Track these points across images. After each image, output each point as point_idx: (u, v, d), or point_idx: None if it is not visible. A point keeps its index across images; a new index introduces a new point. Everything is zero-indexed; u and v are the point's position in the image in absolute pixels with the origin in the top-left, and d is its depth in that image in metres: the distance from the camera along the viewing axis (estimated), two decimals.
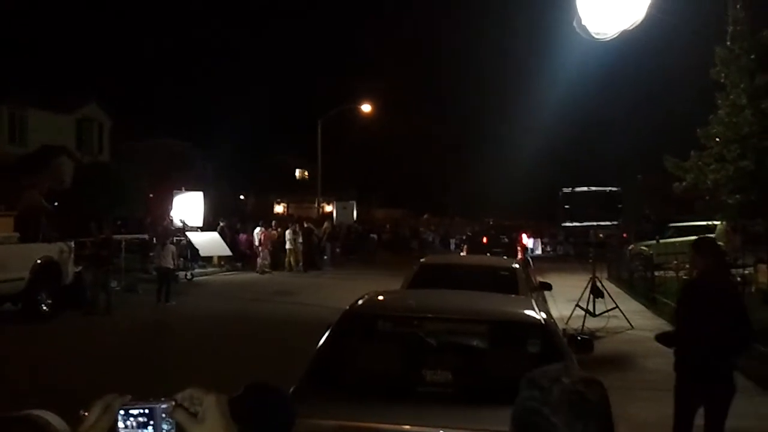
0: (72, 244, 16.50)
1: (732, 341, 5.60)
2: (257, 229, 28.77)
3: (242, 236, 29.86)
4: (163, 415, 1.44)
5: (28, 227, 15.82)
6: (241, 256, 28.77)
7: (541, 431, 1.53)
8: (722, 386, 5.54)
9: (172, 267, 18.42)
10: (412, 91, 58.33)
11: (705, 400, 5.56)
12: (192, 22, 67.79)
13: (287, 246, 29.02)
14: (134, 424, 1.44)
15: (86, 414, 1.45)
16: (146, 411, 1.44)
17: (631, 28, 9.48)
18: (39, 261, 15.00)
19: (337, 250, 32.78)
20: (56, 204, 21.32)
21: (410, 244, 44.95)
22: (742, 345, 5.92)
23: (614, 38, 9.58)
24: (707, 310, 5.58)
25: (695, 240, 6.75)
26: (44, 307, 15.06)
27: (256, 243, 28.38)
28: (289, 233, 29.16)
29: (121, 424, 1.44)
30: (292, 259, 29.10)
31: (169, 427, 1.44)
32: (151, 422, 1.44)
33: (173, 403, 1.45)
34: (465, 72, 69.37)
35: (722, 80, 17.20)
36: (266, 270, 27.50)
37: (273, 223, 31.56)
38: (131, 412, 1.44)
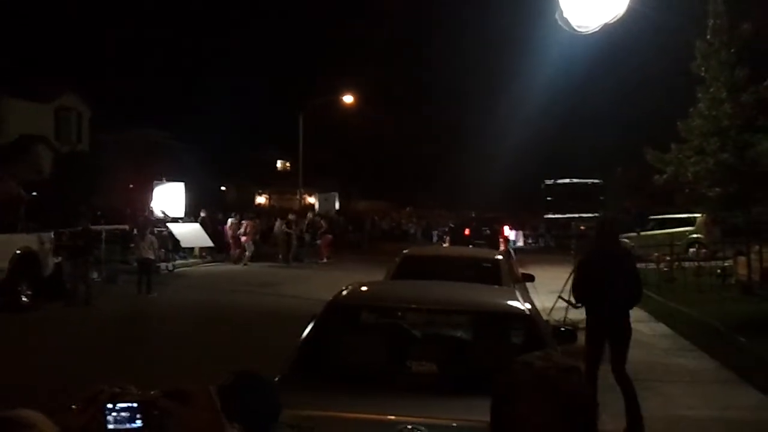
0: (51, 234, 16.35)
1: (628, 297, 7.55)
2: (230, 221, 28.60)
3: (225, 227, 29.72)
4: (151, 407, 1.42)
5: (7, 217, 15.66)
6: (222, 247, 28.63)
7: (511, 415, 1.51)
8: (623, 329, 7.51)
9: (152, 258, 18.32)
10: (393, 84, 58.17)
11: (611, 340, 7.44)
12: (174, 12, 67.25)
13: (282, 238, 28.88)
14: (122, 417, 1.42)
15: (74, 407, 1.43)
16: (134, 405, 1.43)
17: (613, 21, 9.53)
18: (18, 251, 14.85)
19: (317, 241, 32.68)
20: (35, 194, 21.13)
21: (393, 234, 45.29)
22: (636, 299, 7.79)
23: (596, 31, 9.62)
24: (608, 274, 7.35)
25: (599, 221, 8.50)
26: (24, 299, 14.93)
27: (230, 234, 28.21)
28: (281, 225, 29.11)
29: (109, 418, 1.42)
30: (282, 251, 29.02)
31: (157, 418, 1.42)
32: (139, 415, 1.43)
33: (159, 393, 1.44)
34: (447, 64, 69.30)
35: (702, 74, 17.34)
36: (248, 262, 27.40)
37: (253, 215, 31.47)
38: (119, 405, 1.43)
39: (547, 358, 1.61)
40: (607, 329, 7.46)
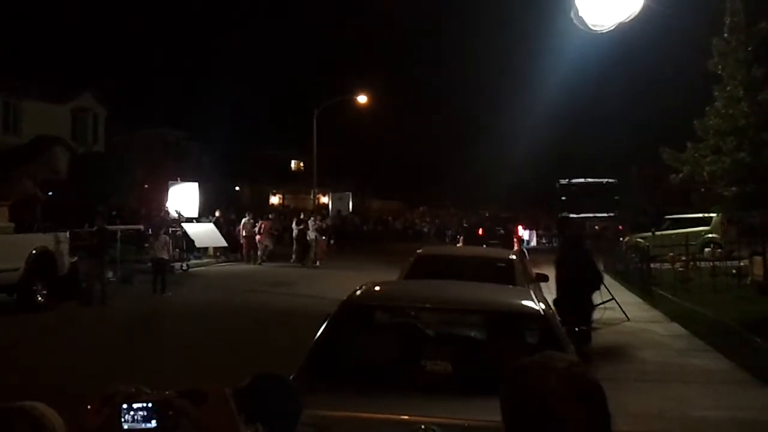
0: (67, 234, 16.45)
1: (588, 285, 10.58)
2: (243, 221, 28.59)
3: (239, 227, 29.75)
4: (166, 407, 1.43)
5: (24, 217, 15.78)
6: (236, 247, 28.68)
7: (547, 423, 1.51)
8: (584, 311, 10.29)
9: (166, 258, 18.41)
10: (408, 84, 58.23)
11: (576, 317, 9.66)
12: (188, 13, 67.51)
13: (308, 237, 28.80)
14: (138, 417, 1.43)
15: (89, 407, 1.44)
16: (149, 405, 1.43)
17: (628, 20, 9.47)
18: (34, 251, 14.95)
19: (331, 241, 32.66)
20: (51, 194, 21.27)
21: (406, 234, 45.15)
22: (596, 284, 10.99)
23: (611, 30, 9.57)
24: (574, 269, 10.11)
25: (558, 220, 10.23)
26: (40, 298, 15.03)
27: (243, 234, 28.17)
28: (311, 223, 29.07)
29: (125, 418, 1.42)
30: (312, 252, 28.95)
31: (173, 418, 1.43)
32: (154, 415, 1.43)
33: (174, 393, 1.44)
34: (461, 64, 69.26)
35: (719, 72, 17.19)
36: (262, 261, 27.46)
37: (270, 215, 31.50)
38: (134, 405, 1.43)
39: (557, 358, 1.62)
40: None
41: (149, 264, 19.07)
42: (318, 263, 27.23)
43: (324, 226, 30.62)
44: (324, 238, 29.51)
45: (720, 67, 17.13)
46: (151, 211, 27.25)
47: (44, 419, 1.76)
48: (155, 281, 17.69)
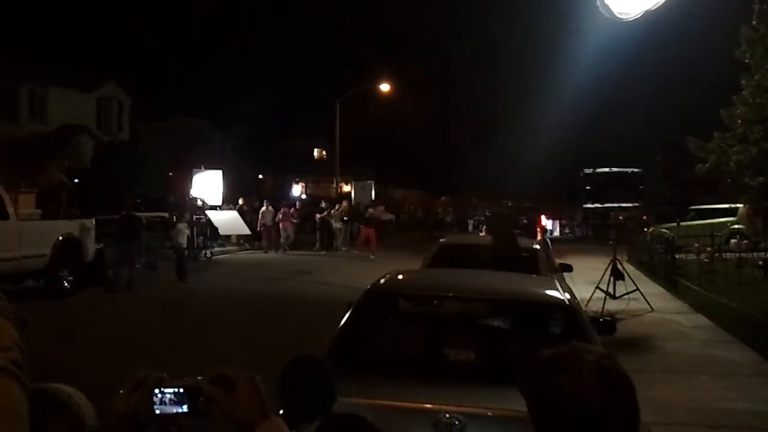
0: (93, 221, 16.63)
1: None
2: (263, 209, 28.66)
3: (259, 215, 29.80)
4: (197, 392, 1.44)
5: (50, 204, 15.98)
6: (258, 235, 28.78)
7: (579, 416, 1.51)
8: None
9: (184, 245, 18.47)
10: (431, 72, 58.03)
11: None
12: (214, 2, 67.68)
13: (336, 226, 28.91)
14: (170, 401, 1.44)
15: (121, 391, 1.45)
16: (180, 390, 1.45)
17: (655, 8, 9.35)
18: (60, 238, 15.14)
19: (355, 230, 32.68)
20: (77, 182, 21.50)
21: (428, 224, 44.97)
22: None
23: (637, 19, 9.46)
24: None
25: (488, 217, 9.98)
26: (66, 284, 15.23)
27: (267, 222, 28.19)
28: (335, 212, 29.08)
29: (156, 402, 1.44)
30: (339, 241, 29.05)
31: (203, 404, 1.44)
32: (185, 400, 1.44)
33: (205, 379, 1.45)
34: (485, 53, 68.90)
35: (747, 60, 16.99)
36: (286, 248, 27.56)
37: (297, 203, 31.61)
38: (166, 390, 1.44)
39: (585, 349, 1.61)
40: None
41: (170, 251, 19.22)
42: (372, 256, 24.98)
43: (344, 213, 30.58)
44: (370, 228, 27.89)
45: (748, 55, 16.93)
46: (176, 199, 27.44)
47: (71, 401, 1.79)
48: (177, 268, 17.85)
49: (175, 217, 20.26)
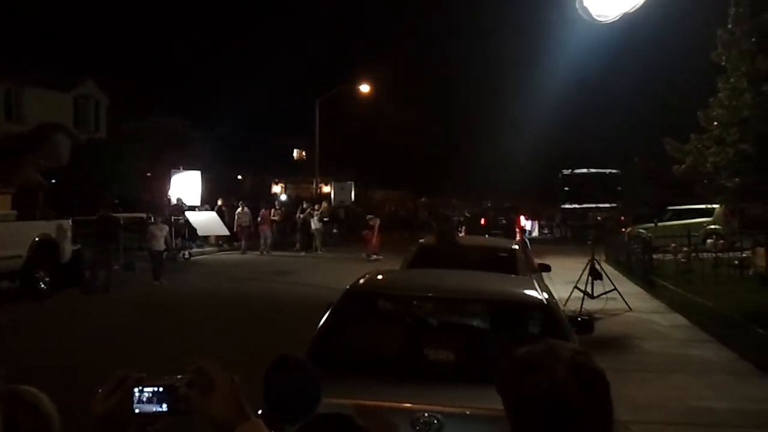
0: (70, 222, 16.47)
1: None
2: (239, 209, 28.51)
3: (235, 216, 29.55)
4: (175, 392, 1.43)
5: (26, 205, 15.79)
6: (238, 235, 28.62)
7: (555, 413, 1.51)
8: None
9: (160, 248, 18.05)
10: (410, 73, 58.02)
11: None
12: (190, 2, 67.30)
13: (315, 226, 28.90)
14: (148, 401, 1.43)
15: (100, 390, 1.44)
16: (160, 389, 1.44)
17: (633, 10, 9.42)
18: (37, 238, 14.98)
19: (334, 231, 32.67)
20: (53, 182, 21.29)
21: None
22: None
23: (615, 21, 9.52)
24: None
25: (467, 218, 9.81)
26: (42, 285, 15.06)
27: (243, 223, 27.99)
28: (314, 213, 29.07)
29: (136, 402, 1.43)
30: (318, 242, 29.02)
31: (183, 403, 1.43)
32: (166, 399, 1.44)
33: (184, 378, 1.44)
34: (464, 54, 68.97)
35: (723, 63, 17.16)
36: (266, 251, 27.45)
37: (276, 203, 31.52)
38: (145, 389, 1.44)
39: (560, 347, 1.61)
40: None
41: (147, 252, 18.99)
42: (374, 257, 24.76)
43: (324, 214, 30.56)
44: (371, 232, 27.17)
45: (724, 58, 17.10)
46: (153, 199, 27.24)
47: (41, 403, 1.78)
48: (154, 270, 17.68)
49: (152, 218, 20.05)
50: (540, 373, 1.54)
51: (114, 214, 18.13)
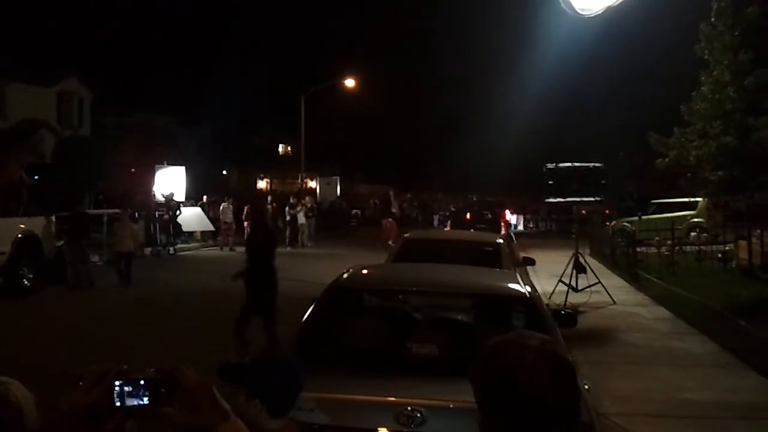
0: (53, 218, 16.37)
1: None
2: (222, 205, 28.07)
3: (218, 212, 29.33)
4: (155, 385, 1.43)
5: (9, 201, 15.68)
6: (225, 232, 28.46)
7: (522, 400, 1.51)
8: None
9: (130, 249, 16.43)
10: (396, 68, 58.06)
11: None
12: None
13: (300, 221, 28.86)
14: (130, 394, 1.43)
15: (81, 383, 1.43)
16: (142, 382, 1.43)
17: (616, 4, 9.45)
18: (20, 235, 14.89)
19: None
20: (36, 178, 21.12)
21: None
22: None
23: (599, 14, 9.54)
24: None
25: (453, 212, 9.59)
26: (26, 282, 14.99)
27: (227, 219, 27.68)
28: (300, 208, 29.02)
29: (117, 395, 1.42)
30: (304, 237, 28.98)
31: (164, 395, 1.43)
32: (146, 393, 1.43)
33: (160, 372, 1.44)
34: (449, 49, 69.11)
35: (706, 57, 17.25)
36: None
37: (269, 198, 31.45)
38: (127, 382, 1.43)
39: (528, 335, 1.63)
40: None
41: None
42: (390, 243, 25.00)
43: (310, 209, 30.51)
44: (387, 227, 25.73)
45: (707, 51, 17.19)
46: (135, 195, 27.06)
47: (9, 393, 1.74)
48: (119, 273, 16.06)
49: (136, 214, 19.77)
50: (507, 359, 1.55)
51: (86, 211, 17.94)
